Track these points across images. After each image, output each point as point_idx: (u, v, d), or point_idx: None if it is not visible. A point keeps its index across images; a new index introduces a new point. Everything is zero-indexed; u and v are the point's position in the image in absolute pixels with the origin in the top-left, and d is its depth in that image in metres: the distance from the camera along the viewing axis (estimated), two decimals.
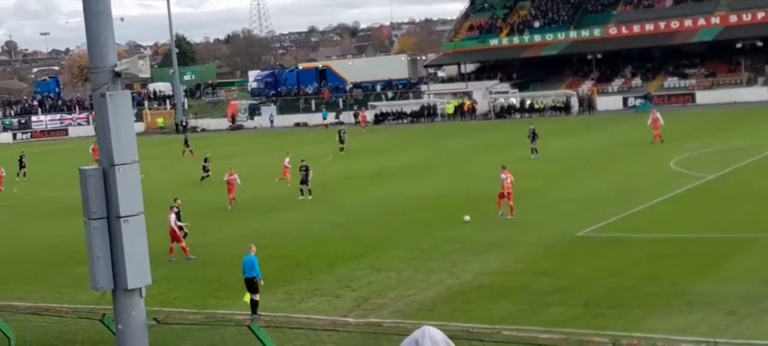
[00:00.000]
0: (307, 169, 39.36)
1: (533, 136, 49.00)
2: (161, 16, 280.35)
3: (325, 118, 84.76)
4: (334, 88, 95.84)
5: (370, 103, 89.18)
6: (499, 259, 25.19)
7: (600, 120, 69.85)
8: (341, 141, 58.73)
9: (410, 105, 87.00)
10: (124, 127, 12.89)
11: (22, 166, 55.29)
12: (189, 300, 23.12)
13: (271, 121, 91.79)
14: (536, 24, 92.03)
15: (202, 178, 47.45)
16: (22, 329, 18.51)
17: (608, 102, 78.74)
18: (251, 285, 21.12)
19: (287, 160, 44.21)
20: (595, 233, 27.79)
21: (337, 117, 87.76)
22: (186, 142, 65.10)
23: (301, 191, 39.19)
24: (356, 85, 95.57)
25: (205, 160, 48.61)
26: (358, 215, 34.36)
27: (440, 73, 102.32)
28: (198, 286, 24.77)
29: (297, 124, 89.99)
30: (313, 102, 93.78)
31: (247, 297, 21.04)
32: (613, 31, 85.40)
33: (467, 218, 30.91)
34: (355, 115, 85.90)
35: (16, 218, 40.14)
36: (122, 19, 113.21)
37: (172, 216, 28.09)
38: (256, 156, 54.52)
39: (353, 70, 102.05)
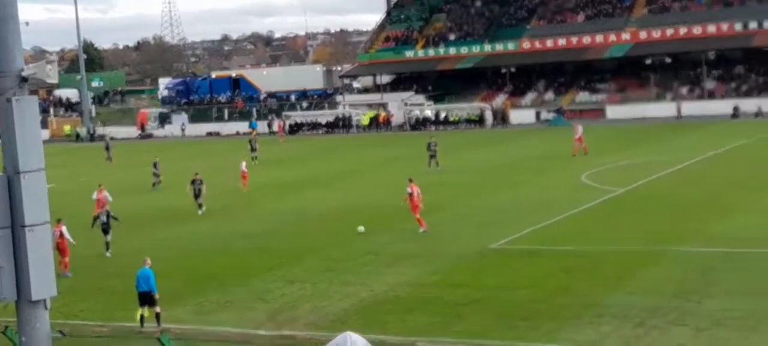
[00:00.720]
0: (200, 182, 37.99)
1: (432, 148, 48.86)
2: (68, 21, 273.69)
3: (254, 128, 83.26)
4: (247, 98, 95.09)
5: (284, 113, 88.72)
6: (414, 271, 25.21)
7: (513, 133, 70.87)
8: (253, 149, 58.37)
9: (325, 116, 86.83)
10: (30, 134, 12.50)
11: None
12: (95, 312, 22.51)
13: (183, 130, 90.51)
14: (452, 37, 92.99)
15: (154, 184, 46.45)
16: None
17: (522, 116, 79.96)
18: (147, 299, 20.66)
19: (243, 165, 44.92)
20: (508, 245, 28.06)
21: (250, 127, 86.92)
22: (108, 151, 65.04)
23: (200, 205, 37.62)
24: (270, 95, 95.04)
25: (155, 166, 47.79)
26: (272, 226, 34.05)
27: (355, 85, 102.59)
28: (105, 298, 24.14)
29: (209, 134, 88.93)
30: (226, 111, 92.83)
31: (140, 312, 20.48)
32: (526, 45, 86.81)
33: (361, 228, 31.07)
34: (269, 125, 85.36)
35: None
36: (27, 24, 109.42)
37: (63, 229, 26.92)
38: (166, 165, 53.50)
39: (267, 79, 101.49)
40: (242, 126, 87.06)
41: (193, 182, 38.03)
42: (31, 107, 12.54)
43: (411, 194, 31.27)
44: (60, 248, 26.47)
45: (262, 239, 31.44)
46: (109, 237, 29.65)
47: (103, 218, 29.92)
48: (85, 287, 24.46)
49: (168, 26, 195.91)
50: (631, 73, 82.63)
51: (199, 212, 37.34)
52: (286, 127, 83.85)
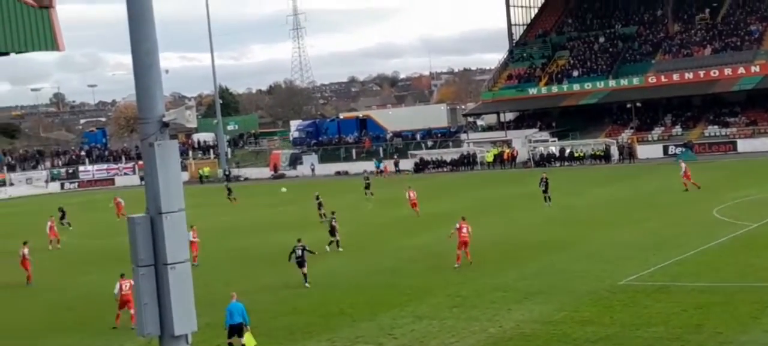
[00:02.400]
0: (334, 220, 38.94)
1: (545, 184, 48.92)
2: (203, 68, 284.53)
3: (378, 168, 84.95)
4: (374, 138, 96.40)
5: (410, 152, 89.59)
6: (541, 307, 25.11)
7: (641, 168, 69.45)
8: (367, 187, 60.99)
9: (450, 153, 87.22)
10: (171, 176, 13.10)
11: (62, 217, 56.42)
12: None
13: (313, 170, 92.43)
14: (575, 73, 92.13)
15: (322, 215, 47.94)
16: None
17: (649, 150, 78.30)
18: (237, 330, 22.03)
19: (412, 194, 48.55)
20: (637, 281, 27.59)
21: (385, 166, 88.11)
22: (229, 191, 66.36)
23: (334, 243, 38.42)
24: (396, 134, 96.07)
25: (318, 198, 50.16)
26: (399, 263, 34.47)
27: (479, 122, 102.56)
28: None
29: (338, 173, 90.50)
30: (353, 151, 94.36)
31: (250, 342, 21.29)
32: (652, 79, 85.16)
33: (284, 189, 31.80)
34: (396, 164, 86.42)
35: (64, 266, 40.74)
36: (167, 72, 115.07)
37: (126, 283, 26.31)
38: (298, 204, 54.87)
39: (393, 119, 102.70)
40: (369, 165, 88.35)
41: (328, 219, 39.19)
42: (172, 151, 13.26)
43: (459, 229, 32.40)
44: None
45: (391, 276, 31.88)
46: (305, 269, 30.89)
47: (299, 252, 31.03)
48: (222, 323, 25.29)
49: (298, 70, 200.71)
50: (762, 105, 79.86)
51: (339, 249, 38.21)
52: (409, 166, 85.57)
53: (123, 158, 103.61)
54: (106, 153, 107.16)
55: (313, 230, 43.84)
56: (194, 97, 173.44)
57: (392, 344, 22.54)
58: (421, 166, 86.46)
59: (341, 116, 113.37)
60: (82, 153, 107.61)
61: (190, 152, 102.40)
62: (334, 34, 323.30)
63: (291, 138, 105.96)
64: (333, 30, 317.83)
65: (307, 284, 30.97)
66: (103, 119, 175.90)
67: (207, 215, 54.99)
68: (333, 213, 39.99)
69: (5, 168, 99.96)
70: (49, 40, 19.49)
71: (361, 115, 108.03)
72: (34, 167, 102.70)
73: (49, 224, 47.75)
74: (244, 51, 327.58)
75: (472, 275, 30.55)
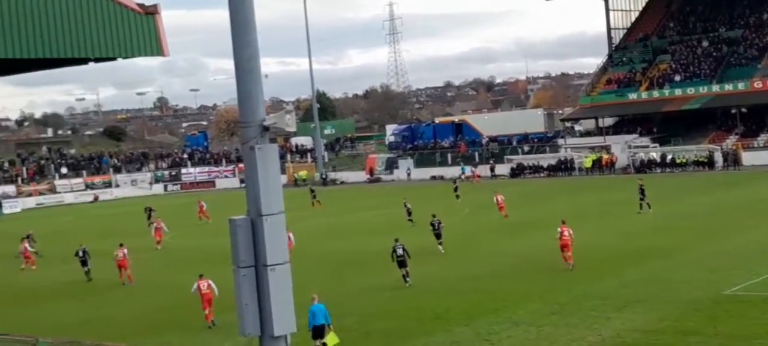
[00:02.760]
0: (439, 223, 39.54)
1: (641, 191, 48.38)
2: (301, 73, 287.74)
3: (464, 173, 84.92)
4: (470, 142, 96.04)
5: (506, 157, 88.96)
6: (642, 316, 24.57)
7: (746, 176, 67.29)
8: (456, 190, 62.76)
9: (547, 159, 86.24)
10: (271, 179, 13.29)
11: (149, 217, 58.30)
12: None
13: (408, 174, 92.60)
14: (677, 78, 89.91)
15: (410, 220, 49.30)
16: None
17: (754, 157, 75.74)
18: (320, 331, 22.31)
19: (500, 198, 49.95)
20: (743, 291, 26.73)
21: (472, 170, 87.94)
22: (312, 194, 67.95)
23: (441, 244, 39.18)
24: (492, 139, 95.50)
25: (406, 204, 51.06)
26: (496, 268, 34.22)
27: (577, 127, 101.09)
28: (339, 335, 25.06)
29: (433, 177, 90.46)
30: (449, 155, 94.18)
31: (332, 341, 22.02)
32: (758, 84, 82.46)
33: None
34: (492, 169, 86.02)
35: (165, 266, 41.77)
36: (266, 76, 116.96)
37: (204, 283, 27.66)
38: (394, 209, 54.97)
39: (489, 123, 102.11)
40: (474, 169, 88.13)
41: (432, 223, 39.52)
42: (272, 154, 13.45)
43: (561, 233, 32.70)
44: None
45: (487, 281, 31.68)
46: (405, 269, 31.41)
47: (399, 251, 31.55)
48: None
49: (394, 75, 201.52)
50: None
51: (441, 250, 38.62)
52: (505, 171, 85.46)
53: (223, 161, 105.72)
54: (207, 156, 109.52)
55: (407, 234, 43.85)
56: (292, 101, 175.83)
57: None
58: (517, 172, 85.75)
59: (437, 121, 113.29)
60: (185, 156, 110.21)
61: (288, 156, 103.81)
62: (430, 38, 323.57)
63: (387, 142, 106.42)
64: (429, 35, 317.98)
65: (407, 284, 31.22)
66: (205, 123, 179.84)
67: (302, 218, 55.60)
68: (433, 216, 40.16)
69: (111, 170, 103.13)
70: (154, 46, 20.01)
71: (456, 120, 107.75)
72: (139, 169, 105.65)
73: (154, 225, 48.96)
74: (341, 56, 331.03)
75: (570, 281, 30.12)
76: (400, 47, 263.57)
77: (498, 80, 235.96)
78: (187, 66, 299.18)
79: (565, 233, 32.81)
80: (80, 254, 39.64)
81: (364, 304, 29.10)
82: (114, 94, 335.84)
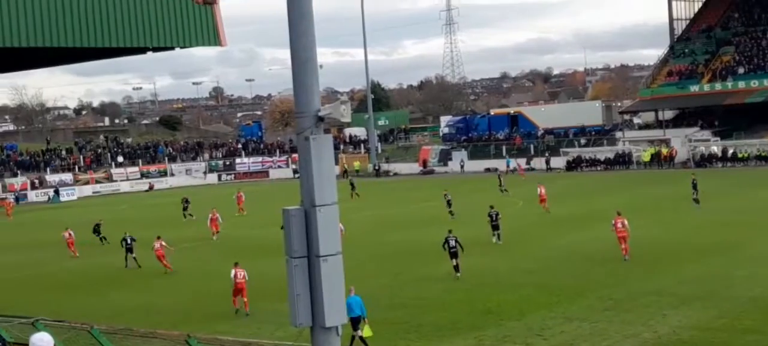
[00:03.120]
0: (497, 214, 39.57)
1: (694, 186, 48.12)
2: (355, 63, 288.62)
3: (508, 166, 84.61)
4: (525, 134, 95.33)
5: (562, 150, 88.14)
6: (699, 313, 24.11)
7: None
8: (501, 184, 63.32)
9: (604, 152, 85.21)
10: (325, 170, 13.25)
11: (185, 208, 58.99)
12: (379, 341, 23.43)
13: (462, 166, 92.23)
14: (740, 70, 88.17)
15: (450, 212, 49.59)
16: None
17: None
18: (357, 322, 22.56)
19: (542, 190, 50.16)
20: None
21: (527, 163, 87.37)
22: (352, 186, 67.90)
23: (497, 235, 39.41)
24: (548, 131, 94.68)
25: (446, 196, 51.17)
26: (549, 262, 33.87)
27: (636, 120, 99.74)
28: (388, 327, 25.08)
29: (487, 170, 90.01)
30: (504, 148, 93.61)
31: (367, 333, 22.53)
32: None
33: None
34: (547, 162, 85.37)
35: (220, 255, 42.08)
36: (321, 66, 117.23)
37: (240, 272, 28.47)
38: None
39: (545, 115, 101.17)
40: (520, 162, 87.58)
41: (489, 214, 39.92)
42: (326, 145, 13.41)
43: (615, 224, 33.11)
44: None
45: (540, 275, 31.36)
46: (456, 261, 31.57)
47: (452, 242, 31.77)
48: (370, 317, 25.51)
49: (449, 66, 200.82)
50: None
51: (499, 242, 38.95)
52: (561, 164, 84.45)
53: (277, 151, 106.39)
54: (262, 146, 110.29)
55: (456, 227, 43.69)
56: (346, 92, 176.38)
57: (541, 345, 22.13)
58: (573, 165, 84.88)
59: (492, 112, 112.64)
60: (239, 146, 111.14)
61: (342, 146, 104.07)
62: (486, 29, 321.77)
63: (441, 134, 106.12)
64: (485, 25, 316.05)
65: (458, 275, 31.16)
66: (259, 113, 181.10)
67: (355, 209, 55.74)
68: (492, 207, 40.32)
69: (166, 159, 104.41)
70: (212, 36, 20.11)
71: (512, 112, 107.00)
72: (194, 159, 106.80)
73: (211, 217, 49.06)
74: (396, 46, 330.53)
75: (626, 277, 29.70)
76: (456, 38, 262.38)
77: (555, 72, 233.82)
78: (243, 56, 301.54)
79: (619, 225, 32.93)
80: (127, 241, 40.32)
81: (415, 296, 29.01)
82: (170, 83, 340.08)
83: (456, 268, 31.43)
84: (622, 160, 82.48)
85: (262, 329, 25.21)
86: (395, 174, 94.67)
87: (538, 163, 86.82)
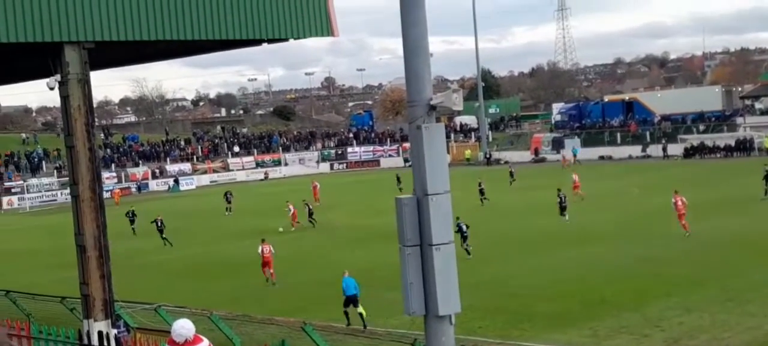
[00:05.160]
0: (565, 196, 43.78)
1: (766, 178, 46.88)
2: (464, 52, 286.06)
3: (575, 154, 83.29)
4: (640, 121, 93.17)
5: (679, 137, 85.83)
6: None
7: None
8: (511, 176, 65.80)
9: (724, 138, 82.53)
10: (437, 159, 13.26)
11: (228, 202, 60.25)
12: (493, 330, 23.37)
13: (575, 155, 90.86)
14: None
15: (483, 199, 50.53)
16: None
17: None
18: (352, 300, 25.15)
19: (576, 177, 51.90)
20: None
21: (643, 151, 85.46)
22: (511, 175, 68.37)
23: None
24: (665, 118, 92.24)
25: (480, 185, 52.83)
26: (667, 252, 33.03)
27: (758, 105, 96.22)
28: (503, 316, 24.99)
29: (601, 158, 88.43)
30: (618, 135, 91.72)
31: (350, 311, 25.03)
32: None
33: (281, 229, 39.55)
34: (664, 149, 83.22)
35: (333, 243, 42.66)
36: (432, 55, 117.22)
37: (266, 247, 32.90)
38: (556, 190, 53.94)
39: (662, 101, 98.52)
40: (635, 150, 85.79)
41: (559, 196, 43.00)
42: (438, 134, 13.41)
43: (675, 203, 35.88)
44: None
45: (656, 265, 30.63)
46: (466, 244, 33.87)
47: (464, 227, 34.12)
48: (484, 306, 25.47)
49: (561, 52, 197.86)
50: None
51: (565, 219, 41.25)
52: (679, 151, 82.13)
53: (388, 140, 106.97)
54: (372, 135, 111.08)
55: (575, 216, 43.12)
56: (456, 80, 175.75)
57: (659, 337, 21.64)
58: (691, 152, 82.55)
59: (606, 99, 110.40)
60: (350, 135, 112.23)
61: (452, 135, 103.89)
62: (599, 14, 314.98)
63: (553, 121, 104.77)
64: (598, 10, 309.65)
65: (470, 256, 33.45)
66: (370, 102, 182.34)
67: (465, 198, 55.47)
68: (559, 189, 43.73)
69: (280, 148, 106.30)
70: (325, 27, 20.39)
71: (626, 98, 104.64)
72: (307, 148, 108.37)
73: (290, 211, 48.71)
74: (505, 33, 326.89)
75: (748, 267, 28.76)
76: (568, 23, 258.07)
77: (672, 56, 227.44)
78: (353, 46, 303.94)
79: (678, 203, 35.73)
80: (158, 223, 45.04)
81: (527, 285, 28.76)
82: (283, 74, 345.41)
83: (467, 251, 33.93)
84: (743, 147, 79.76)
85: (374, 317, 25.42)
86: (506, 162, 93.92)
87: (655, 150, 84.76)
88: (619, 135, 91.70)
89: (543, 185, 58.37)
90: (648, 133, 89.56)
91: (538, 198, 52.50)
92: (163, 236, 45.69)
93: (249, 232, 45.57)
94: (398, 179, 67.80)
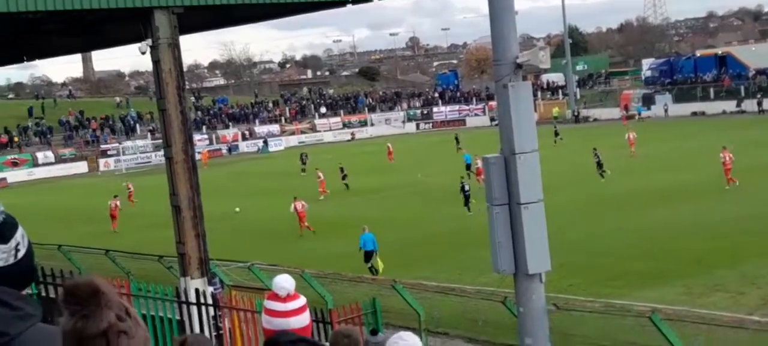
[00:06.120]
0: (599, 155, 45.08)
1: None
2: (550, 9, 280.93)
3: (640, 113, 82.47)
4: (734, 76, 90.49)
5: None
6: None
7: None
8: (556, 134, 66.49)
9: None
10: (524, 117, 13.20)
11: (303, 162, 61.70)
12: (585, 288, 23.20)
13: (666, 111, 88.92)
14: None
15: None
16: (429, 306, 19.79)
17: None
18: (369, 256, 27.09)
19: (632, 135, 52.64)
20: None
21: (737, 106, 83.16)
22: (556, 133, 68.82)
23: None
24: (760, 72, 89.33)
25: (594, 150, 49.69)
26: (760, 209, 32.15)
27: None
28: (594, 274, 24.77)
29: (694, 114, 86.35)
30: (711, 90, 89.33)
31: (378, 264, 26.86)
32: None
33: (237, 209, 40.56)
34: (759, 104, 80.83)
35: (422, 202, 42.76)
36: (517, 13, 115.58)
37: (299, 204, 36.18)
38: (650, 146, 53.04)
39: (756, 55, 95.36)
40: (729, 105, 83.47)
41: (595, 153, 45.61)
42: (525, 92, 13.34)
43: (724, 159, 38.03)
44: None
45: (753, 222, 29.84)
46: (468, 204, 35.66)
47: (466, 187, 37.57)
48: (576, 263, 25.28)
49: (651, 6, 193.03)
50: None
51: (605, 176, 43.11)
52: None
53: (474, 99, 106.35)
54: (458, 94, 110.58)
55: (658, 175, 42.31)
56: (543, 38, 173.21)
57: (755, 294, 21.21)
58: None
59: (698, 54, 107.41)
60: (436, 95, 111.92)
61: (539, 93, 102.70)
62: None
63: (643, 77, 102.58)
64: None
65: (470, 213, 35.42)
66: (455, 61, 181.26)
67: (553, 157, 54.95)
68: (595, 149, 45.68)
69: (366, 109, 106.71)
70: None
71: (719, 52, 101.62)
72: (392, 108, 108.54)
73: (320, 179, 48.00)
74: None
75: None
76: None
77: (766, 9, 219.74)
78: (436, 6, 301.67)
79: (726, 158, 37.83)
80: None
81: (619, 245, 28.40)
82: (368, 35, 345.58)
83: (468, 208, 36.18)
84: None
85: (464, 275, 25.49)
86: (595, 120, 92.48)
87: (750, 105, 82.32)
88: (712, 90, 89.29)
89: (636, 142, 57.30)
90: (742, 88, 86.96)
91: (627, 157, 51.62)
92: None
93: (332, 193, 45.96)
94: (457, 139, 69.04)
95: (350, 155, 73.13)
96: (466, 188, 38.35)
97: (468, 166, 49.85)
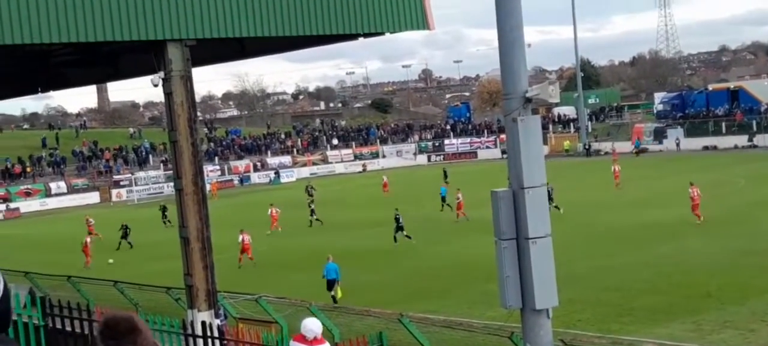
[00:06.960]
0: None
1: None
2: (561, 42, 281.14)
3: (638, 147, 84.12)
4: (747, 110, 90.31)
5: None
6: None
7: None
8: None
9: None
10: (533, 151, 13.18)
11: (310, 195, 61.64)
12: (593, 323, 23.08)
13: (677, 145, 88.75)
14: None
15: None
16: (436, 341, 19.68)
17: None
18: (331, 285, 27.93)
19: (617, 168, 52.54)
20: None
21: (749, 140, 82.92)
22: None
23: None
24: None
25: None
26: None
27: None
28: (602, 310, 24.66)
29: (705, 148, 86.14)
30: (723, 124, 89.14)
31: (338, 294, 27.60)
32: None
33: (111, 261, 39.65)
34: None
35: (429, 235, 42.69)
36: (529, 46, 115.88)
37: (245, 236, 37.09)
38: (662, 181, 52.89)
39: None
40: (741, 140, 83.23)
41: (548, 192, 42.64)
42: (534, 126, 13.32)
43: (691, 195, 38.06)
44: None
45: (762, 257, 29.70)
46: (402, 233, 36.30)
47: (400, 220, 37.36)
48: (583, 299, 25.19)
49: (664, 40, 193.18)
50: None
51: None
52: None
53: (485, 132, 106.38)
54: (470, 127, 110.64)
55: (668, 209, 42.16)
56: (554, 70, 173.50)
57: (765, 332, 21.05)
58: None
59: (710, 88, 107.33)
60: (447, 127, 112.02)
61: (551, 126, 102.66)
62: (702, 1, 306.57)
63: (655, 111, 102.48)
64: None
65: (397, 244, 37.79)
66: (467, 94, 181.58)
67: (566, 190, 54.87)
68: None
69: (378, 141, 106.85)
70: (420, 20, 20.46)
71: (732, 86, 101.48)
72: (404, 140, 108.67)
73: (271, 212, 48.56)
74: (604, 22, 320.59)
75: None
76: (671, 11, 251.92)
77: None
78: (448, 38, 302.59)
79: (694, 194, 37.93)
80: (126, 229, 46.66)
81: (627, 279, 28.28)
82: (380, 67, 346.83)
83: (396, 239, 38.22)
84: None
85: (472, 309, 25.42)
86: (606, 153, 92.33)
87: (762, 140, 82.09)
88: (724, 124, 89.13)
89: (642, 176, 57.25)
90: (755, 123, 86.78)
91: (635, 191, 51.47)
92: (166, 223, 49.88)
93: (337, 225, 45.89)
94: (445, 173, 69.91)
95: (356, 187, 73.27)
96: (400, 219, 40.19)
97: (443, 199, 51.00)
